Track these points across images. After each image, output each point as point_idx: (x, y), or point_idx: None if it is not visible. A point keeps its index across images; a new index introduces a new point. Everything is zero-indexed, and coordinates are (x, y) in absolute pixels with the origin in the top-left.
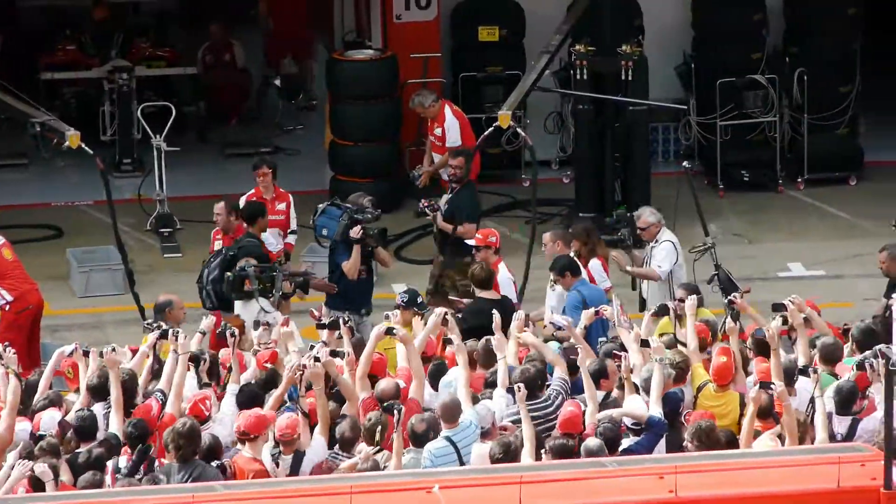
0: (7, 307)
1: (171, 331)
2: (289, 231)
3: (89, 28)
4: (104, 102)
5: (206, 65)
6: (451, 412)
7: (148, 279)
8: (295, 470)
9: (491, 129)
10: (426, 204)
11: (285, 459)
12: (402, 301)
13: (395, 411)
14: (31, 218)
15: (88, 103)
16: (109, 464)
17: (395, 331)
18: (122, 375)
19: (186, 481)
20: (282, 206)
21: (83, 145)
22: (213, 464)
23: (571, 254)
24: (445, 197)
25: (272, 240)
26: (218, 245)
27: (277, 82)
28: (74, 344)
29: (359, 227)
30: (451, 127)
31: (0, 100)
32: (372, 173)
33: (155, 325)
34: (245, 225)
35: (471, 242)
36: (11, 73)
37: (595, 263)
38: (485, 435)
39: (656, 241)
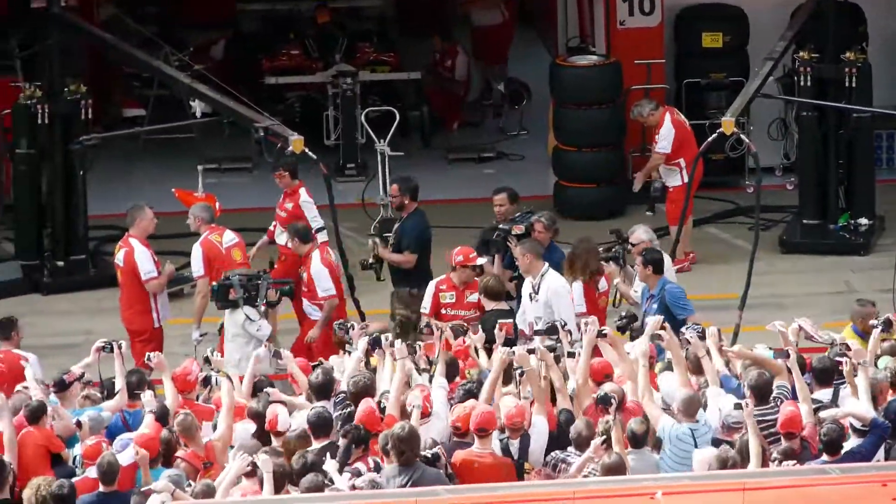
0: None
1: (383, 337)
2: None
3: (312, 32)
4: (328, 107)
5: (429, 70)
6: (692, 407)
7: (370, 285)
8: (524, 454)
9: (714, 135)
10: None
11: (513, 444)
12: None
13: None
14: (255, 221)
15: (312, 108)
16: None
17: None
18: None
19: (406, 485)
20: (289, 206)
21: (307, 150)
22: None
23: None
24: (396, 226)
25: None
26: None
27: (501, 87)
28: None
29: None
30: (664, 135)
31: (224, 104)
32: (595, 179)
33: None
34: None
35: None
36: (235, 77)
37: (577, 286)
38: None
39: None
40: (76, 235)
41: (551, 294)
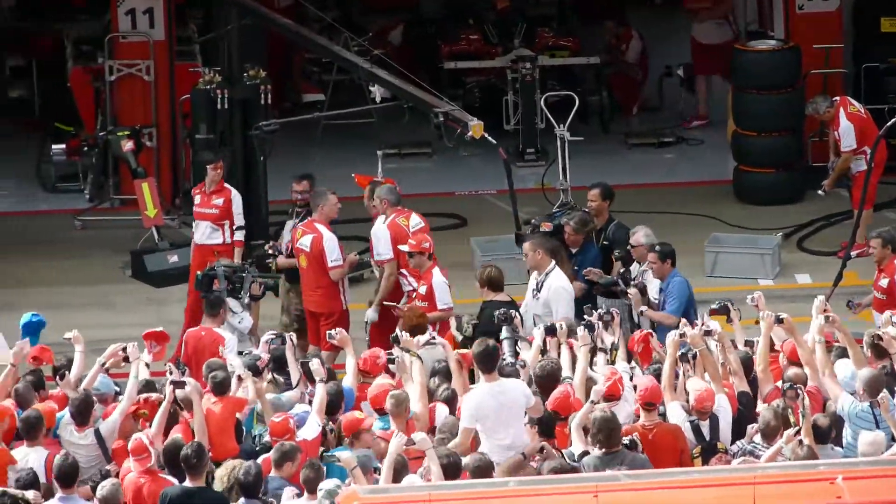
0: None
1: (558, 325)
2: (234, 227)
3: (492, 17)
4: (507, 92)
5: (608, 55)
6: (876, 385)
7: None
8: (716, 434)
9: (894, 119)
10: (268, 248)
11: (704, 425)
12: None
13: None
14: (435, 207)
15: (492, 93)
16: None
17: None
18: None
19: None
20: (218, 201)
21: (486, 135)
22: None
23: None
24: (290, 224)
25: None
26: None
27: (681, 72)
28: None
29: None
30: (845, 133)
31: (404, 89)
32: (774, 164)
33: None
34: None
35: (404, 248)
36: (414, 62)
37: None
38: None
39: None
40: (256, 220)
41: (551, 294)
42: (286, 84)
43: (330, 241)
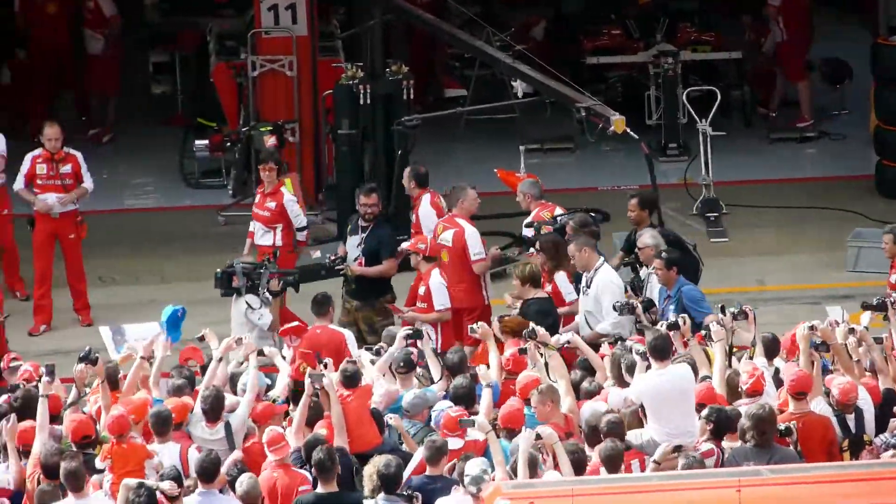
0: None
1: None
2: (296, 228)
3: (633, 13)
4: (649, 87)
5: (749, 50)
6: None
7: None
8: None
9: None
10: (332, 259)
11: (850, 418)
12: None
13: None
14: (577, 202)
15: (634, 88)
16: None
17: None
18: None
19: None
20: (271, 204)
21: (628, 130)
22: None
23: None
24: (355, 239)
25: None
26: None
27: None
28: None
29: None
30: None
31: (546, 84)
32: None
33: None
34: None
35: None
36: (556, 57)
37: (561, 276)
38: None
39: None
40: (400, 215)
41: (600, 288)
42: (428, 79)
43: (472, 236)
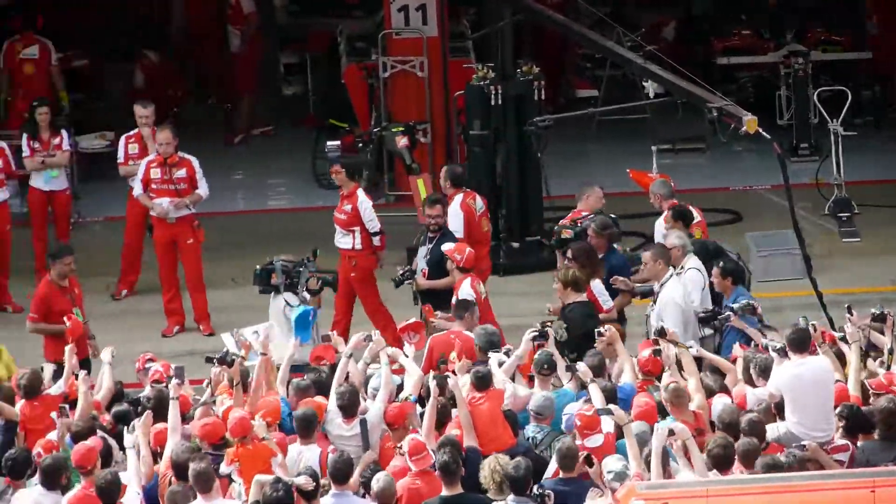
0: None
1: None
2: (371, 233)
3: (764, 13)
4: (780, 87)
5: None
6: None
7: (826, 264)
8: None
9: None
10: (402, 273)
11: None
12: None
13: None
14: (710, 202)
15: (765, 88)
16: None
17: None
18: None
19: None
20: (347, 207)
21: (760, 130)
22: None
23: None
24: (423, 250)
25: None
26: None
27: None
28: None
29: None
30: None
31: (677, 85)
32: None
33: None
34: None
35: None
36: (688, 58)
37: (596, 284)
38: None
39: (682, 268)
40: (531, 217)
41: (662, 306)
42: (560, 80)
43: None
